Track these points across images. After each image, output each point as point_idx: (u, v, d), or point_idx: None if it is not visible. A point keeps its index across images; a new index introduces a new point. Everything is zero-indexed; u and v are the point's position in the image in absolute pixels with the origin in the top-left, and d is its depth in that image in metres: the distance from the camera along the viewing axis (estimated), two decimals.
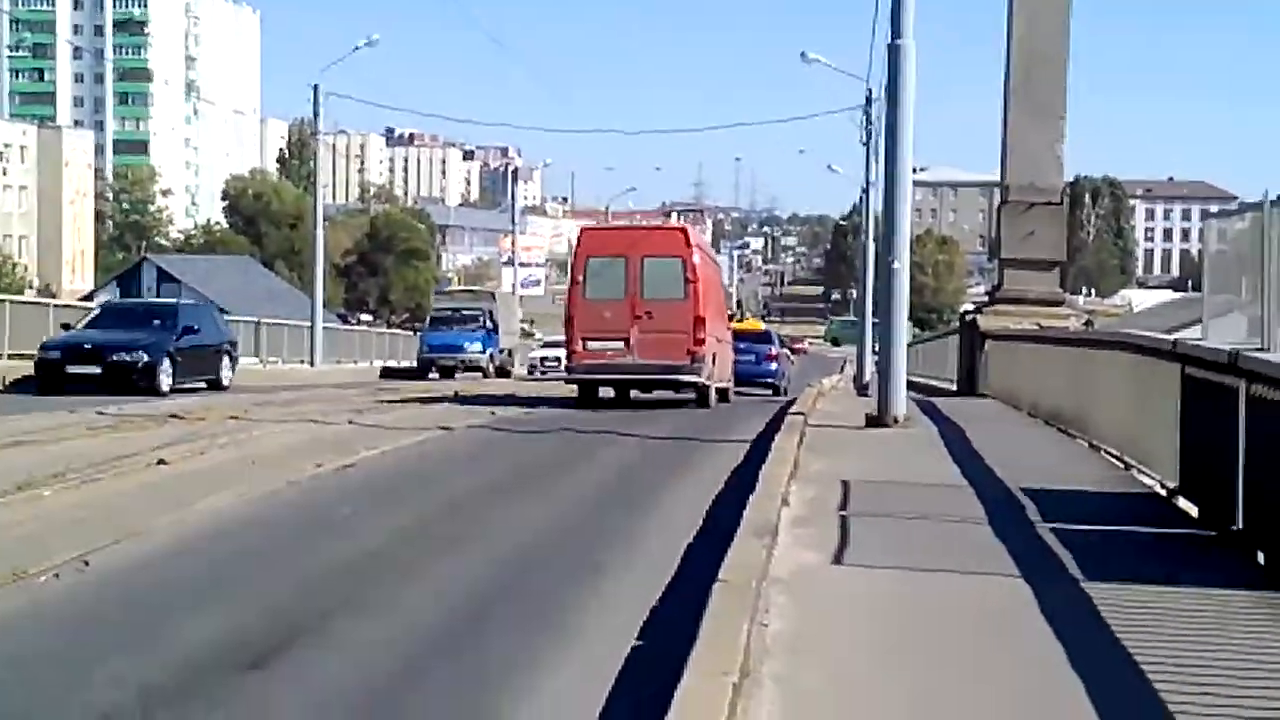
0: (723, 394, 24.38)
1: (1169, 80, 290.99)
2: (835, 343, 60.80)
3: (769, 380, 35.09)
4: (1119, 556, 8.02)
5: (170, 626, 7.05)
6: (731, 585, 6.80)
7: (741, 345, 30.66)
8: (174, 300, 32.61)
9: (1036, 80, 23.86)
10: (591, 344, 22.37)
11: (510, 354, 46.30)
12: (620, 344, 22.16)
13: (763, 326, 45.44)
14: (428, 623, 7.26)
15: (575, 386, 23.24)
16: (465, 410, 21.04)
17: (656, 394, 23.57)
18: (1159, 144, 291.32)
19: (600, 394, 23.01)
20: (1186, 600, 6.78)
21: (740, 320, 44.18)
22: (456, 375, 39.90)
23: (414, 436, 16.52)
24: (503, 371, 43.33)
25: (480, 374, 40.44)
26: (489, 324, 43.02)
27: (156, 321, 26.43)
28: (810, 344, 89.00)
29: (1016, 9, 23.94)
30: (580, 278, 22.68)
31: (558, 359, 39.35)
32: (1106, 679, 5.47)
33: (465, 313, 43.65)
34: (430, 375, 40.18)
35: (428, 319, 46.53)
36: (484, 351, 42.04)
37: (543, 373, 45.41)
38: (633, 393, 23.58)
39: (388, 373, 43.03)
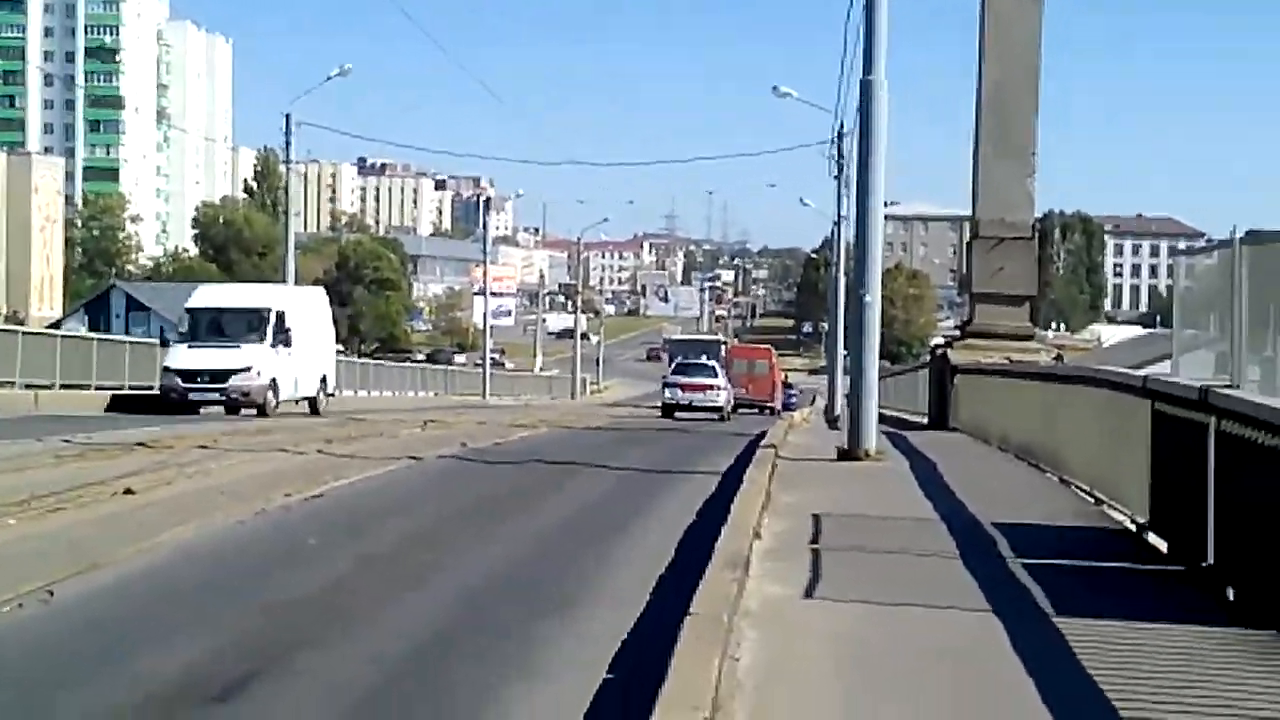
0: (775, 411, 50.20)
1: (1137, 117, 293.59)
2: None
3: (795, 405, 57.45)
4: (1090, 592, 8.01)
5: (135, 657, 6.96)
6: (702, 618, 6.76)
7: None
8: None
9: (1007, 117, 24.02)
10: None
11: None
12: (743, 390, 49.35)
13: (791, 379, 76.67)
14: (394, 654, 7.19)
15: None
16: None
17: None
18: (1127, 181, 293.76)
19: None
20: (1159, 636, 6.77)
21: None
22: None
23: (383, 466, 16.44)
24: None
25: None
26: None
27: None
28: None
29: (988, 47, 24.10)
30: (730, 364, 52.36)
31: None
32: (1080, 717, 5.45)
33: None
34: None
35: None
36: None
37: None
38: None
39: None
